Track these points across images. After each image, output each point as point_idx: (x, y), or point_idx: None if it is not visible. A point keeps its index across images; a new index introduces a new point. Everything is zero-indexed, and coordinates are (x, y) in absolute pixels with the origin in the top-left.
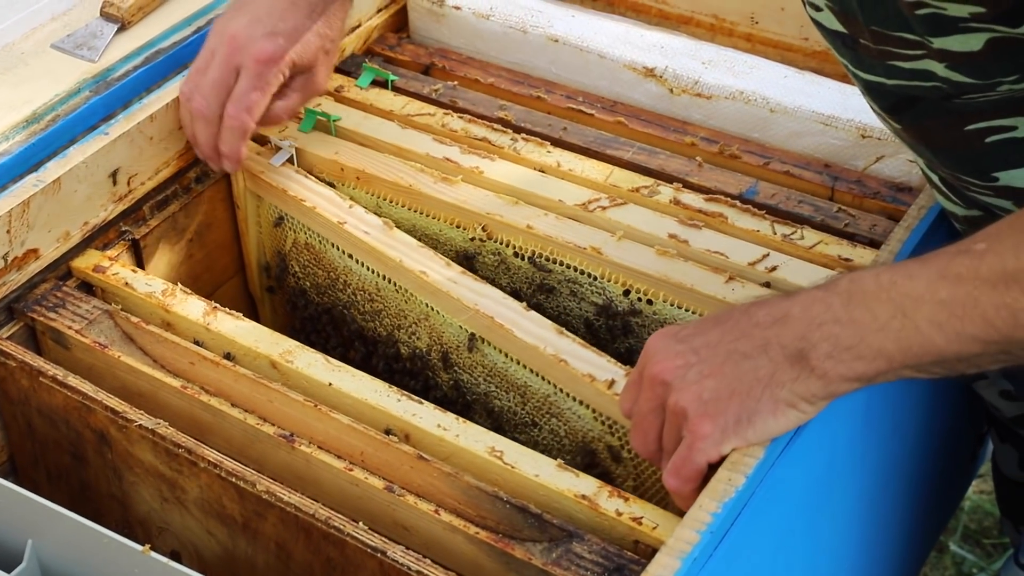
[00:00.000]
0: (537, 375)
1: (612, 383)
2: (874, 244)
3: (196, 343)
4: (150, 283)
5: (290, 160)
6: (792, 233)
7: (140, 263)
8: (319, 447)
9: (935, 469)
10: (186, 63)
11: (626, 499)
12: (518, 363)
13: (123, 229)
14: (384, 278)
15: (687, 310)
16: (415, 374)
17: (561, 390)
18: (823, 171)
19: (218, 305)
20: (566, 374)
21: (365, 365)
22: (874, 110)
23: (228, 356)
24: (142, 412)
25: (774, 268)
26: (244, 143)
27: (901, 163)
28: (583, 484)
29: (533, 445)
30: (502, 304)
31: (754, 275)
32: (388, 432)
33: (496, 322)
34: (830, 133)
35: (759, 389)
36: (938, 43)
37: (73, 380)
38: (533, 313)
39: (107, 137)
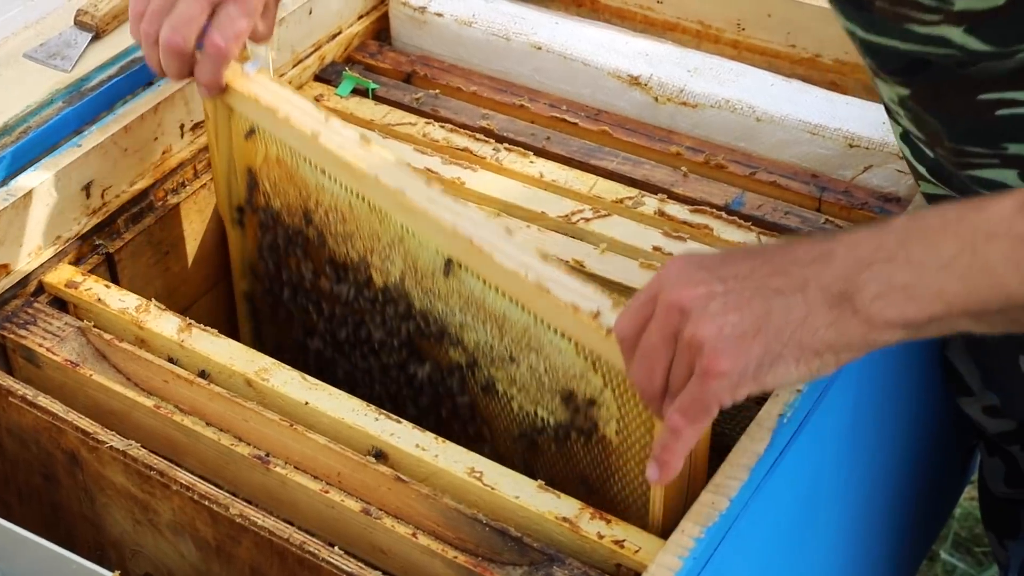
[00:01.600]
0: (516, 304)
1: (598, 314)
2: None
3: (170, 360)
4: (124, 299)
5: (264, 68)
6: None
7: (115, 277)
8: (295, 467)
9: (925, 480)
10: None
11: (608, 521)
12: (497, 291)
13: (97, 243)
14: (358, 196)
15: None
16: (388, 302)
17: (542, 321)
18: (810, 181)
19: (193, 322)
20: (548, 303)
21: (337, 295)
22: (880, 76)
23: (203, 374)
24: (113, 433)
25: None
26: (225, 70)
27: (889, 173)
28: (564, 506)
29: (511, 381)
30: (483, 226)
31: None
32: (378, 455)
33: (475, 245)
34: (817, 142)
35: (787, 332)
36: (961, 3)
37: (43, 400)
38: (517, 237)
39: (80, 149)
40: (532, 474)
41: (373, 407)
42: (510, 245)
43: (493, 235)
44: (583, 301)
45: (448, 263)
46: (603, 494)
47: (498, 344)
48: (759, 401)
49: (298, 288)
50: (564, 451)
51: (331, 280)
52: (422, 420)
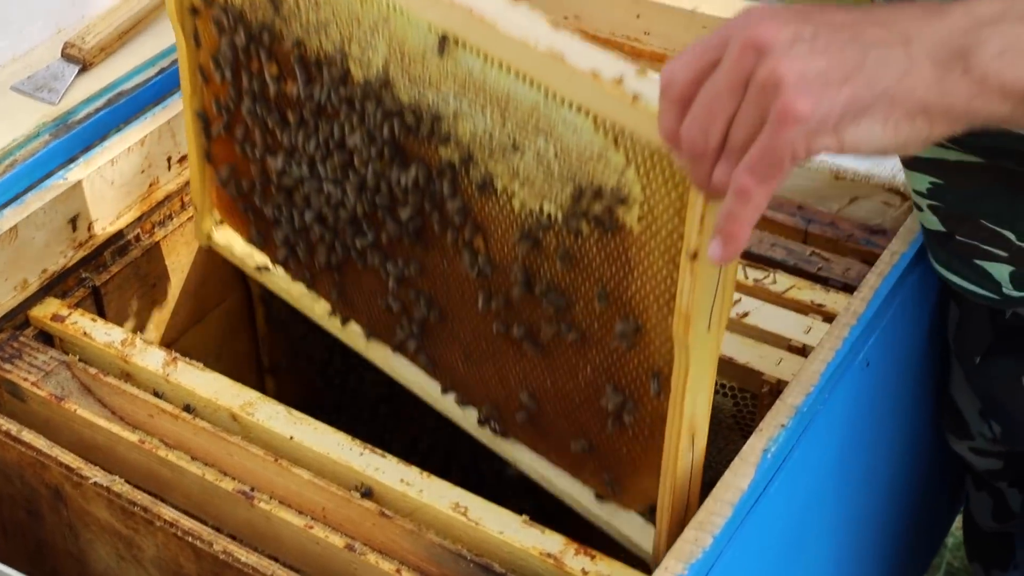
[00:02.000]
0: (524, 80)
1: (621, 80)
2: (848, 288)
3: (156, 394)
4: (109, 332)
5: None
6: (764, 277)
7: (101, 311)
8: (280, 503)
9: (916, 510)
10: (149, 105)
11: (592, 557)
12: (500, 67)
13: (83, 276)
14: None
15: None
16: (368, 98)
17: (554, 96)
18: (796, 213)
19: (178, 355)
20: (562, 74)
21: (307, 98)
22: None
23: (188, 408)
24: (97, 468)
25: (745, 314)
26: None
27: (875, 205)
28: (549, 541)
29: (513, 174)
30: None
31: None
32: (367, 494)
33: (475, 15)
34: (803, 174)
35: (881, 84)
36: None
37: (27, 435)
38: (523, 5)
39: (66, 182)
40: (531, 286)
41: (358, 442)
42: (515, 13)
43: (495, 3)
44: (603, 67)
45: (443, 40)
46: (619, 296)
47: (499, 132)
48: (744, 435)
49: (259, 97)
50: (573, 250)
51: (300, 82)
52: (402, 236)
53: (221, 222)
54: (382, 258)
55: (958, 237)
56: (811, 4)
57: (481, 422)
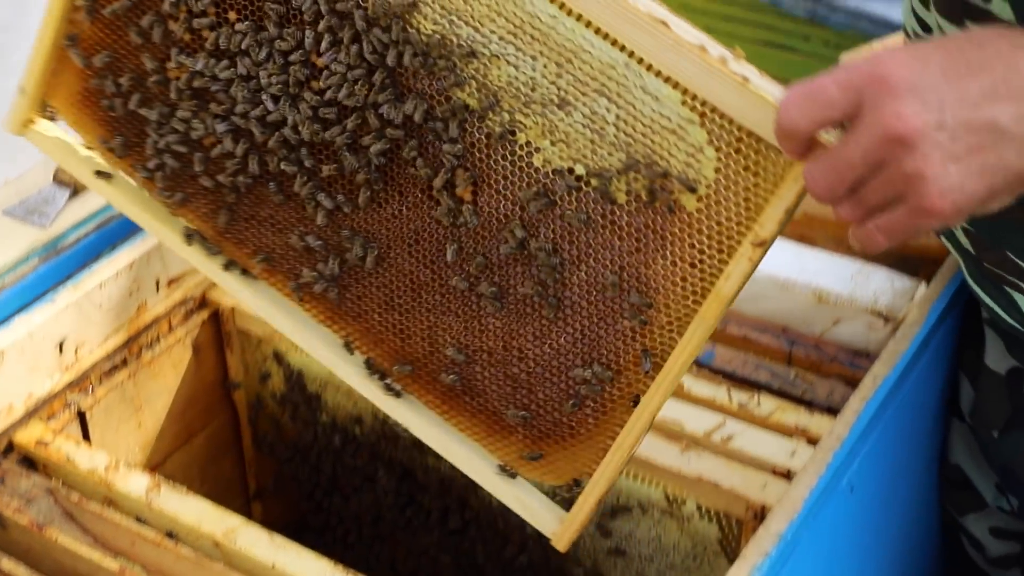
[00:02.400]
0: (607, 39)
1: (726, 61)
2: (832, 411)
3: (139, 520)
4: (93, 457)
5: None
6: (749, 400)
7: (86, 434)
8: None
9: None
10: (138, 229)
11: None
12: (579, 19)
13: (69, 400)
14: None
15: (641, 480)
16: (375, 22)
17: (641, 61)
18: (780, 335)
19: (162, 479)
20: (664, 42)
21: None
22: None
23: (171, 534)
24: None
25: (730, 438)
26: None
27: (858, 327)
28: None
29: (545, 130)
30: None
31: (710, 444)
32: None
33: None
34: (786, 297)
35: (1014, 171)
36: None
37: (7, 563)
38: None
39: (54, 305)
40: (525, 245)
41: (340, 567)
42: None
43: None
44: (710, 45)
45: None
46: (637, 269)
47: (546, 85)
48: (730, 561)
49: None
50: (596, 217)
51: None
52: (358, 170)
53: (53, 114)
54: (314, 189)
55: (985, 264)
56: (937, 57)
57: (377, 377)
